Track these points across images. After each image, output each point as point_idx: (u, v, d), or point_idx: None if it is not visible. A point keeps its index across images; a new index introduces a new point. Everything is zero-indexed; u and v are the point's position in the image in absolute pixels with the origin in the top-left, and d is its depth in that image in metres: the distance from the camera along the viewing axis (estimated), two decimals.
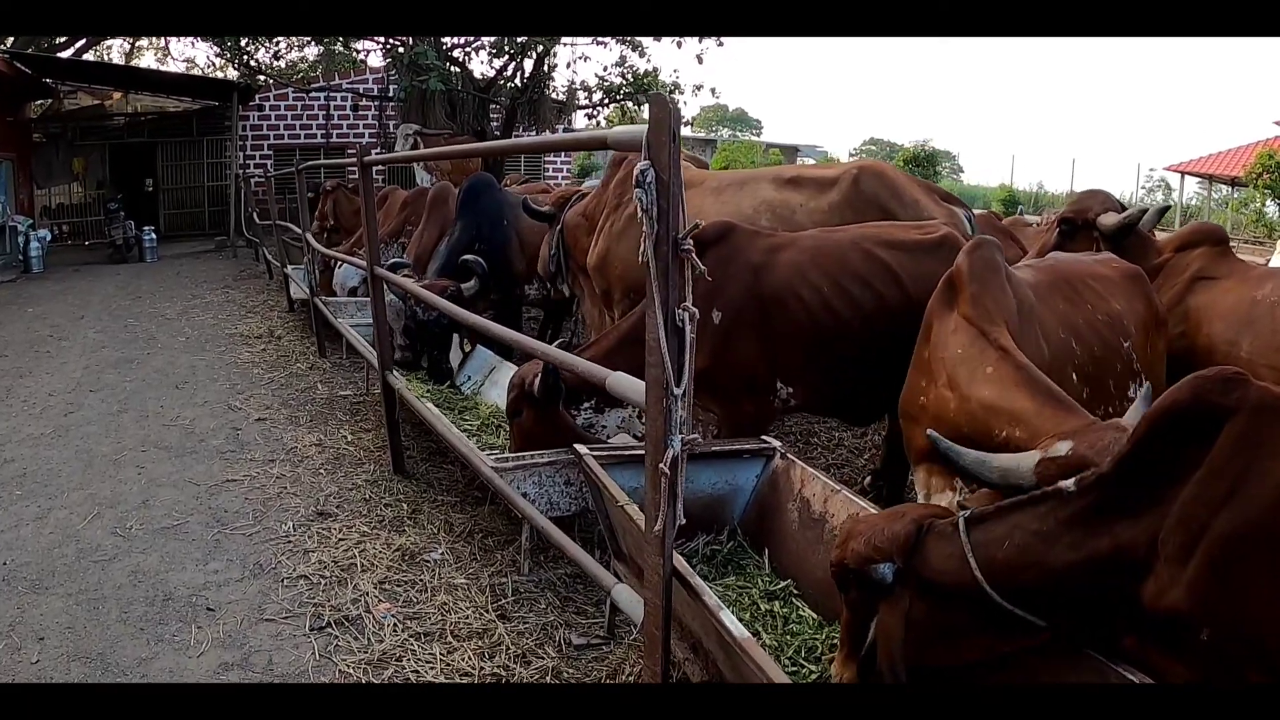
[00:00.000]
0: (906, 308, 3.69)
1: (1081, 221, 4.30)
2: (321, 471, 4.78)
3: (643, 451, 3.14)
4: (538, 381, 3.61)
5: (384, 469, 4.78)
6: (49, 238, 14.83)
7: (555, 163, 23.27)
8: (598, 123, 19.06)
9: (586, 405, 3.93)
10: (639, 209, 1.71)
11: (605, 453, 3.02)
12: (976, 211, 5.62)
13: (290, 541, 3.88)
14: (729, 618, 1.93)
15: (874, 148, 51.39)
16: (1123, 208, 4.33)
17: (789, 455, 3.23)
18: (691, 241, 1.80)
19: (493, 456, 3.57)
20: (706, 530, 3.18)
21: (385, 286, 4.73)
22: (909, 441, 2.83)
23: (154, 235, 15.49)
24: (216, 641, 3.07)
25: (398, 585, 3.47)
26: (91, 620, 3.19)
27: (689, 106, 18.83)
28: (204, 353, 7.85)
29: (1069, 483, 1.78)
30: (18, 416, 5.85)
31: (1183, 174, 26.50)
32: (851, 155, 44.01)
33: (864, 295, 3.65)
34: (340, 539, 3.88)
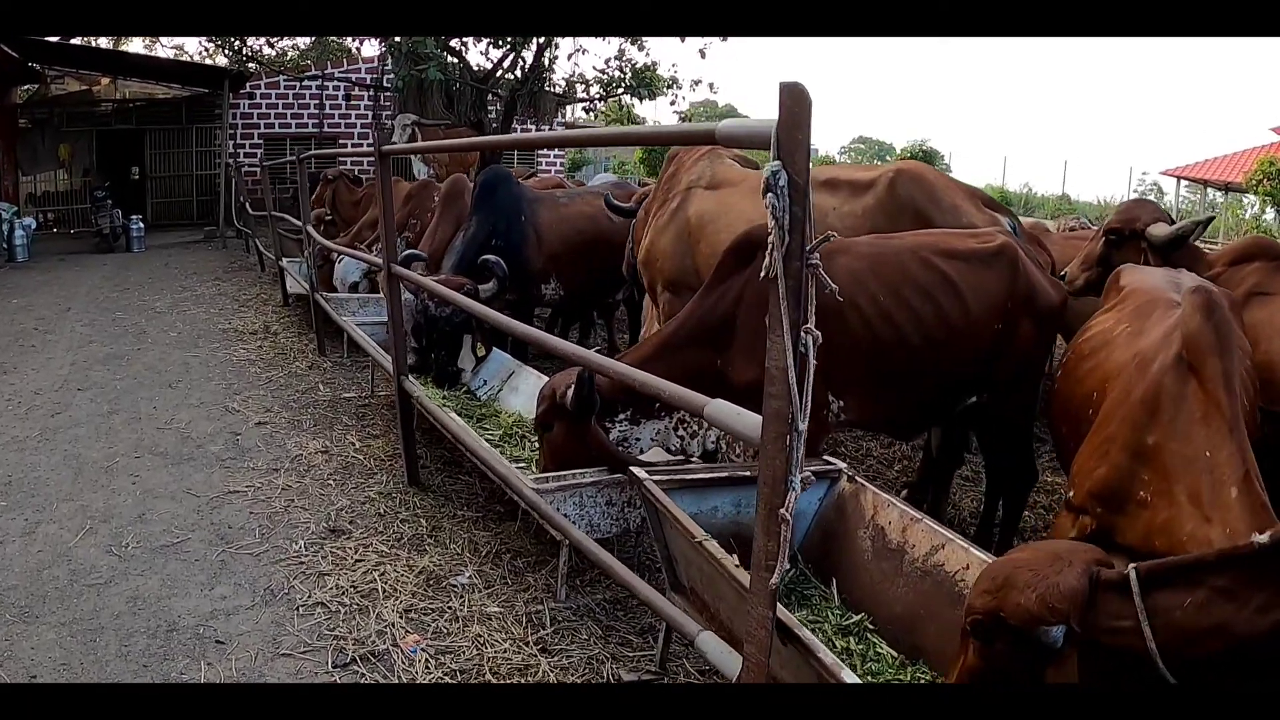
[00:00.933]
0: (964, 320, 3.52)
1: (1129, 232, 4.12)
2: (330, 482, 4.48)
3: (703, 475, 2.93)
4: (570, 393, 3.35)
5: (397, 480, 4.49)
6: (34, 226, 14.38)
7: (549, 156, 23.04)
8: (594, 116, 18.76)
9: (621, 417, 3.68)
10: (769, 216, 1.45)
11: (665, 477, 2.76)
12: None
13: (302, 562, 3.58)
14: (853, 679, 1.67)
15: (862, 146, 51.14)
16: (1171, 220, 4.13)
17: (857, 478, 2.98)
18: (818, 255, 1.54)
19: (532, 477, 3.29)
20: None
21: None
22: (1114, 531, 2.43)
23: (141, 224, 15.05)
24: (230, 680, 2.77)
25: (425, 614, 3.18)
26: (88, 655, 2.88)
27: (686, 101, 18.58)
28: (197, 349, 7.50)
29: (1262, 536, 1.55)
30: (1, 418, 5.51)
31: (1178, 178, 26.47)
32: (840, 153, 43.76)
33: (923, 307, 3.47)
34: (357, 560, 3.58)
